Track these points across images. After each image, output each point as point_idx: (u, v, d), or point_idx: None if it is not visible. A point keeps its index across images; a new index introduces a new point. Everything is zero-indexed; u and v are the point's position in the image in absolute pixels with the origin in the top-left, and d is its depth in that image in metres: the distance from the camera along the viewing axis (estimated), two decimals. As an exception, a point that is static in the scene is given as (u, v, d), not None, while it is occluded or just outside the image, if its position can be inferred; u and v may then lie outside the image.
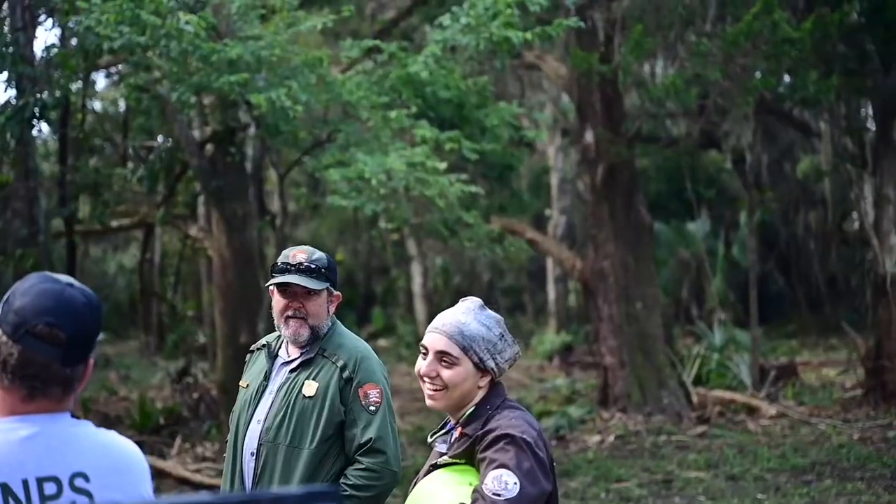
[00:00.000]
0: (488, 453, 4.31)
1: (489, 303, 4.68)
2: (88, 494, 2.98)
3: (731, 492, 13.23)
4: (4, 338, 2.97)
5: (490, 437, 4.35)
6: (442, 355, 4.51)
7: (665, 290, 26.41)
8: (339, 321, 5.92)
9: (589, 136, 18.72)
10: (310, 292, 5.69)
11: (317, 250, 5.81)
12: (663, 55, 19.28)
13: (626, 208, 18.60)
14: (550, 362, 27.56)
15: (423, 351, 4.61)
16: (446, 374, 4.50)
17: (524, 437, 4.30)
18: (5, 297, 3.05)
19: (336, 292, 5.83)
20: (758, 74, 17.31)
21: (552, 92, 26.22)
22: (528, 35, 13.70)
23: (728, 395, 18.65)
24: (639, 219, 18.68)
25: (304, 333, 5.72)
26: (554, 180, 30.00)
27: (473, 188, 14.54)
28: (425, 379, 4.57)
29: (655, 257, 20.35)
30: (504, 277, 40.29)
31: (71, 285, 3.06)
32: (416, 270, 35.50)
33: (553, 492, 4.43)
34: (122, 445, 3.16)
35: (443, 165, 13.80)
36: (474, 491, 4.28)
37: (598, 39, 17.62)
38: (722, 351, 20.98)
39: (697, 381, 19.43)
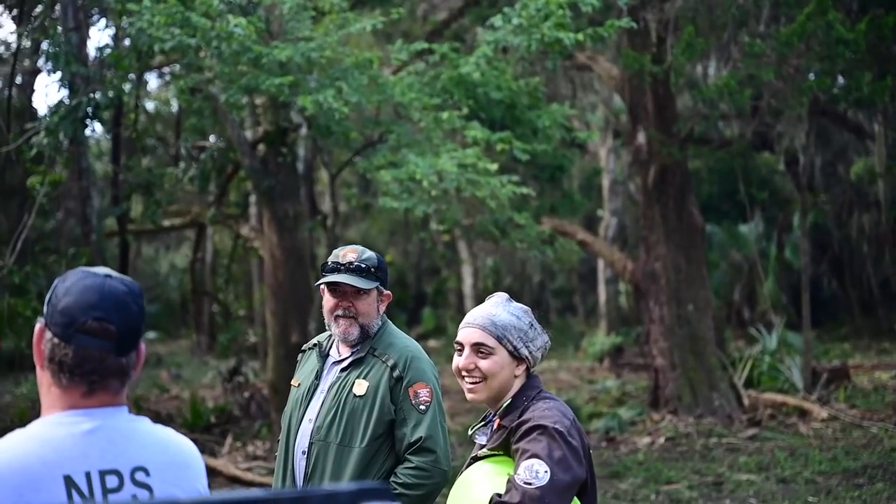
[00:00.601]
0: (521, 444, 4.43)
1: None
2: (149, 488, 3.01)
3: (783, 495, 13.15)
4: (56, 339, 2.98)
5: (523, 427, 4.47)
6: (478, 347, 4.68)
7: (717, 293, 26.31)
8: (389, 320, 5.92)
9: (641, 138, 18.67)
10: (359, 291, 5.71)
11: (367, 249, 5.83)
12: (716, 56, 19.17)
13: (679, 210, 18.53)
14: (601, 364, 27.54)
15: (459, 347, 4.77)
16: (484, 364, 4.66)
17: (556, 426, 4.41)
18: (48, 298, 3.06)
19: (386, 291, 5.84)
20: (812, 75, 17.20)
21: (604, 93, 26.14)
22: (580, 36, 13.68)
23: (779, 397, 18.53)
24: (691, 220, 18.60)
25: (354, 332, 5.74)
26: (605, 182, 29.96)
27: (525, 189, 14.50)
28: (464, 373, 4.72)
29: (707, 259, 20.24)
30: (555, 279, 40.26)
31: (109, 276, 3.08)
32: (466, 271, 35.54)
33: (589, 480, 4.55)
34: (180, 442, 3.20)
35: (494, 166, 13.79)
36: (508, 481, 4.38)
37: (651, 40, 17.54)
38: (774, 353, 20.86)
39: (749, 383, 19.33)
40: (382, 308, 5.82)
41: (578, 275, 38.04)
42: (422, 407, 5.55)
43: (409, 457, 5.51)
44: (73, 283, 3.03)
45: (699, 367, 18.09)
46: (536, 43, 13.62)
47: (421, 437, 5.50)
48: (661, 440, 16.76)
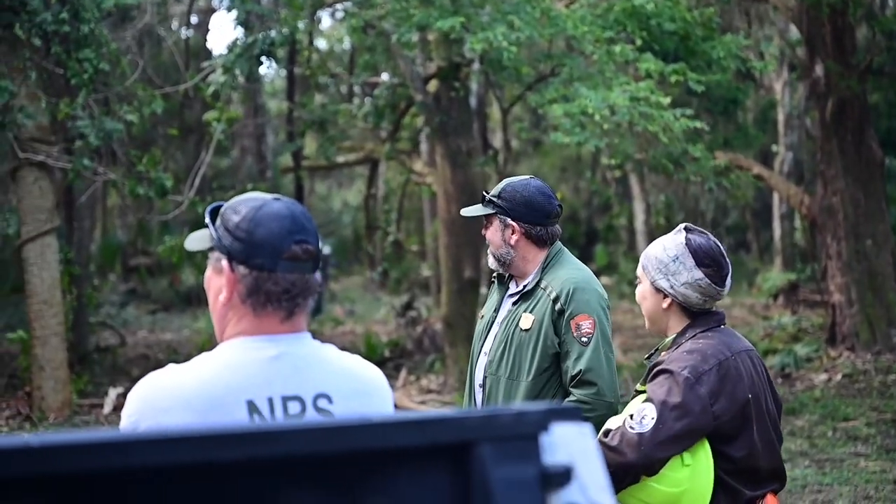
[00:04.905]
0: (648, 386, 4.57)
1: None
2: (330, 415, 3.00)
3: (964, 432, 12.92)
4: (257, 272, 2.98)
5: (655, 370, 4.59)
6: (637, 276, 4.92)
7: (895, 229, 25.78)
8: (565, 250, 5.87)
9: (818, 70, 18.26)
10: (486, 220, 5.84)
11: (513, 180, 5.89)
12: (897, -15, 18.70)
13: (857, 144, 18.11)
14: (775, 300, 27.17)
15: None
16: (637, 292, 4.90)
17: (684, 372, 4.46)
18: (221, 235, 3.05)
19: (511, 222, 5.71)
20: None
21: (779, 24, 25.66)
22: (758, -37, 13.42)
23: (961, 334, 18.13)
24: (870, 154, 18.18)
25: (489, 261, 5.85)
26: (780, 116, 29.43)
27: (698, 123, 14.29)
28: None
29: (886, 194, 19.79)
30: (728, 215, 39.77)
31: (279, 199, 3.09)
32: (638, 208, 35.31)
33: (729, 426, 4.55)
34: (366, 369, 3.19)
35: (667, 100, 13.62)
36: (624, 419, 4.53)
37: (829, -32, 17.13)
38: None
39: (928, 320, 18.94)
40: (512, 238, 5.72)
41: (752, 211, 37.51)
42: (584, 339, 5.45)
43: (571, 390, 5.46)
44: (255, 212, 3.01)
45: (877, 303, 17.75)
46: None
47: (581, 370, 5.42)
48: (838, 377, 16.52)
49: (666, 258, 4.67)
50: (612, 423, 4.63)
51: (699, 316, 4.72)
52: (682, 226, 4.82)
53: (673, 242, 4.71)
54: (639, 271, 4.83)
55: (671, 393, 4.41)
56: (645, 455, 4.36)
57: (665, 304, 4.71)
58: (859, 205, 17.95)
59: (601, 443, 4.48)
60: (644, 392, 4.65)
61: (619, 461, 4.38)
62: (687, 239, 4.69)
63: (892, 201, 26.75)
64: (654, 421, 4.36)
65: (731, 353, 4.57)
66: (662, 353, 4.72)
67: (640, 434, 4.36)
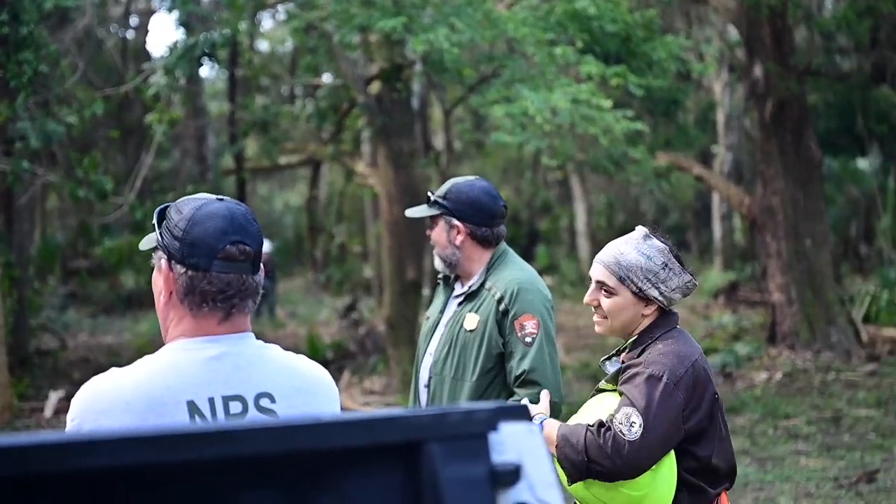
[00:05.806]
0: (624, 387, 4.43)
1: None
2: (273, 414, 3.00)
3: (903, 430, 13.04)
4: (192, 272, 2.98)
5: (631, 371, 4.47)
6: (601, 285, 4.61)
7: (833, 229, 25.96)
8: (510, 251, 5.88)
9: (758, 71, 18.39)
10: (433, 221, 5.84)
11: (458, 181, 5.90)
12: (835, -13, 18.85)
13: (796, 144, 18.25)
14: (716, 300, 27.36)
15: (589, 280, 4.71)
16: (605, 303, 4.60)
17: (663, 376, 4.37)
18: (162, 235, 3.05)
19: (456, 222, 5.74)
20: (933, 5, 16.82)
21: (719, 26, 25.83)
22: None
23: (898, 333, 18.32)
24: (809, 154, 18.32)
25: (436, 262, 5.87)
26: (720, 117, 29.63)
27: (639, 125, 14.32)
28: (592, 308, 4.70)
29: (825, 194, 19.95)
30: (669, 216, 40.01)
31: (222, 199, 3.08)
32: (580, 209, 35.44)
33: (707, 424, 4.49)
34: (310, 368, 3.18)
35: (608, 103, 13.64)
36: (607, 420, 4.38)
37: (768, -29, 17.23)
38: (893, 289, 20.57)
39: (867, 319, 19.10)
40: (457, 239, 5.74)
41: (693, 211, 37.78)
42: (528, 339, 5.47)
43: (515, 389, 5.47)
44: (194, 212, 3.01)
45: (817, 302, 17.89)
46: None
47: (525, 370, 5.43)
48: (779, 375, 16.64)
49: (654, 266, 4.53)
50: (603, 415, 4.50)
51: (664, 315, 4.65)
52: (642, 230, 4.70)
53: (654, 249, 4.57)
54: (611, 283, 4.58)
55: (652, 397, 4.33)
56: (630, 462, 4.30)
57: (648, 311, 4.60)
58: (798, 205, 18.09)
59: (592, 435, 4.37)
60: (607, 391, 4.60)
61: (607, 465, 4.32)
62: (665, 244, 4.62)
63: (831, 201, 27.01)
64: (642, 428, 4.28)
65: (698, 354, 4.54)
66: (624, 354, 4.63)
67: (631, 442, 4.28)
